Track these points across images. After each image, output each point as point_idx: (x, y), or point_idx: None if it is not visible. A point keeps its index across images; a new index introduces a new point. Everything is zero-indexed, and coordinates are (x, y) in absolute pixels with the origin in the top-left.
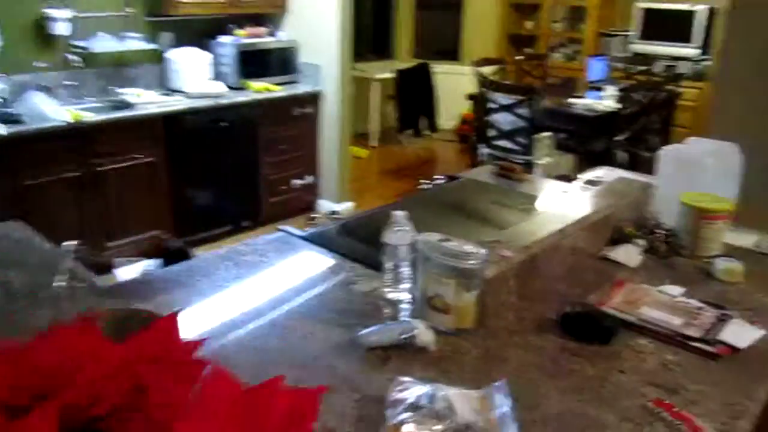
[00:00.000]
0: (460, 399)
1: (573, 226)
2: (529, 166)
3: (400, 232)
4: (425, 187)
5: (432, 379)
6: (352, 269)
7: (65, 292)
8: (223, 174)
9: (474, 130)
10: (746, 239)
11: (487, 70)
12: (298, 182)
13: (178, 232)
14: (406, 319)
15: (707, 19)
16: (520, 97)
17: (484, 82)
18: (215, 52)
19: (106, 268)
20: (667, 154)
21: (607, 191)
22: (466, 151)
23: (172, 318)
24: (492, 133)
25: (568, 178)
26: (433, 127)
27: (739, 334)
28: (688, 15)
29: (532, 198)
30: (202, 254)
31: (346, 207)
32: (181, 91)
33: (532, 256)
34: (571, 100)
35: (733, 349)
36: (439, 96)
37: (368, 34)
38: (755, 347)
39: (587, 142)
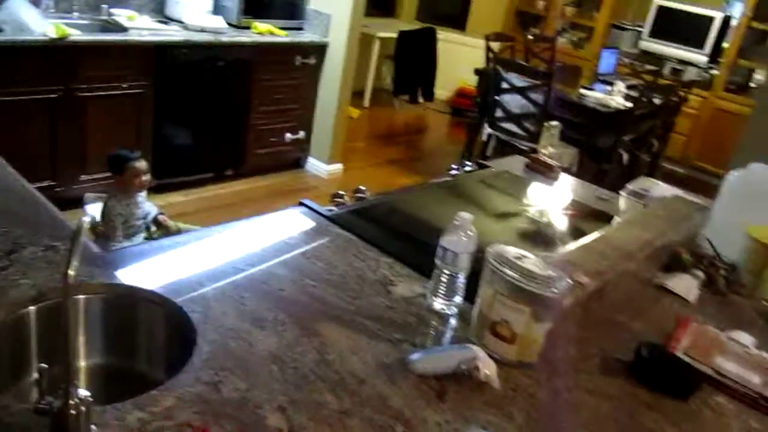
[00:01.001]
0: None
1: (641, 249)
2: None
3: (464, 239)
4: (454, 172)
5: (496, 426)
6: (388, 266)
7: (55, 257)
8: (212, 116)
9: (476, 107)
10: None
11: (495, 45)
12: (290, 136)
13: (157, 172)
14: (464, 345)
15: (721, 27)
16: (536, 81)
17: (496, 59)
18: None
19: (75, 203)
20: (734, 178)
21: (661, 209)
22: (459, 125)
23: None
24: (499, 113)
25: (568, 171)
26: (429, 96)
27: None
28: (706, 20)
29: (573, 204)
30: (203, 229)
31: (334, 169)
32: (179, 21)
33: (604, 282)
34: (583, 91)
35: None
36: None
37: None
38: None
39: (593, 137)
